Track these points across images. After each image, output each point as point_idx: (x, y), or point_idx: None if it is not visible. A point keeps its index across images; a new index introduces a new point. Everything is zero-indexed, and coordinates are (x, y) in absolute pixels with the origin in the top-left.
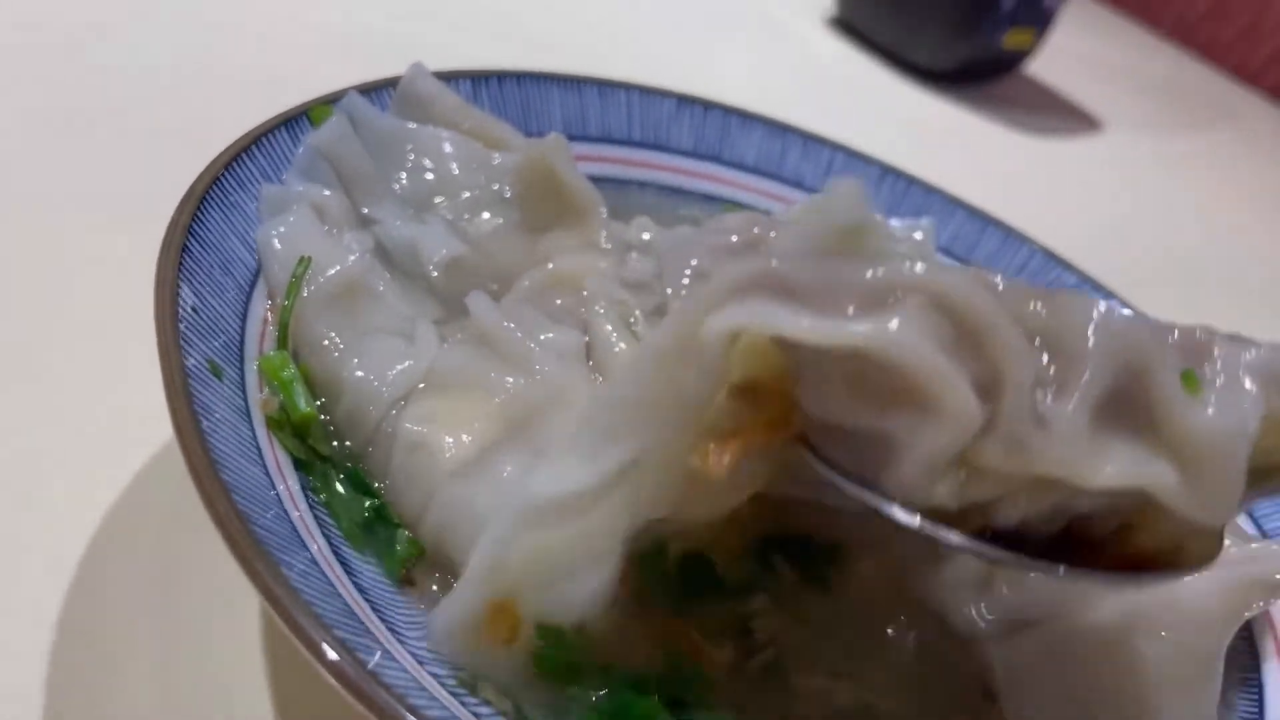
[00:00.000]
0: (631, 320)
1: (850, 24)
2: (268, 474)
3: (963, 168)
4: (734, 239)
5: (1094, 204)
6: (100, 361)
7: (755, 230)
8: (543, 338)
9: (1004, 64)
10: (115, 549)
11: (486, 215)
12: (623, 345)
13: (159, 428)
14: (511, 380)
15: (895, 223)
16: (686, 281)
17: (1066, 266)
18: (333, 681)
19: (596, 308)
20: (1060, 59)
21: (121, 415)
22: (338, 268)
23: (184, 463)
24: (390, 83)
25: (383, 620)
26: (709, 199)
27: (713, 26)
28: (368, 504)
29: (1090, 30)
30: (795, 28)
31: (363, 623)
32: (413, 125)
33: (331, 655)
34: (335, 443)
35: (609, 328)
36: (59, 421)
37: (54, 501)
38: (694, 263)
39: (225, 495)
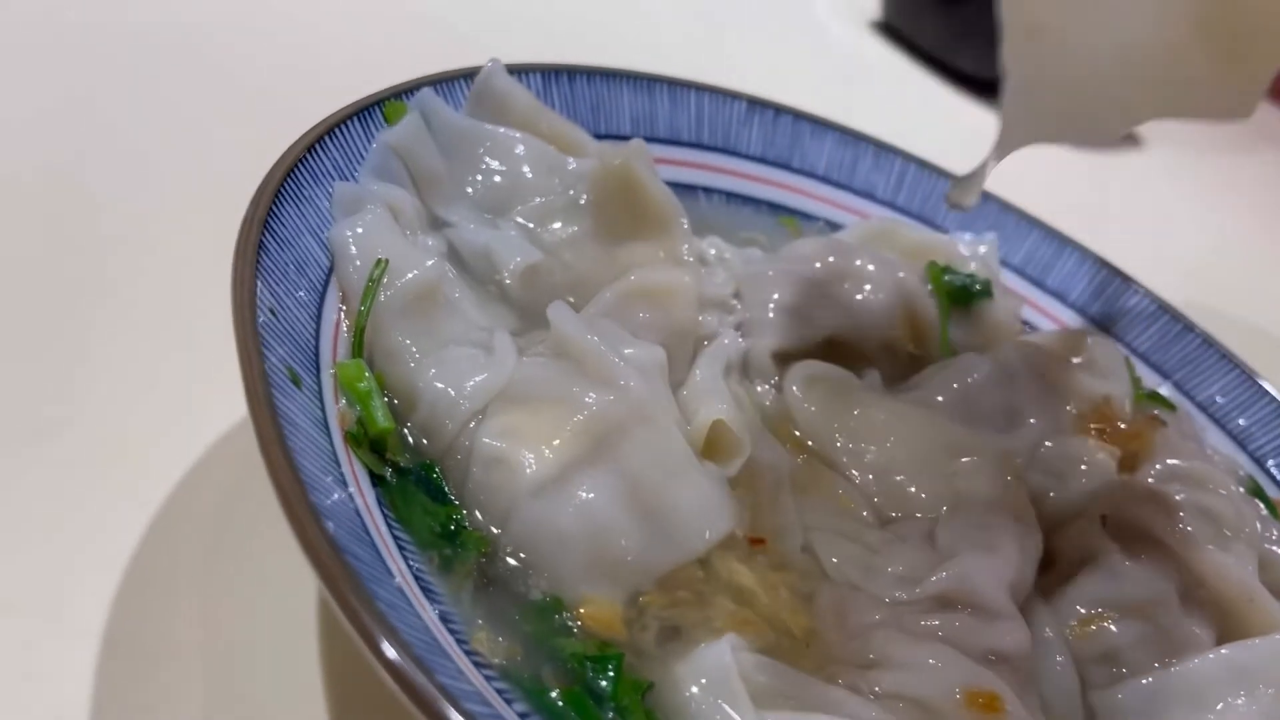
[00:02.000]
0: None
1: (894, 27)
2: (348, 490)
3: (1005, 178)
4: (817, 265)
5: (1137, 221)
6: (153, 351)
7: (831, 259)
8: (626, 352)
9: None
10: (168, 545)
11: (561, 222)
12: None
13: (211, 421)
14: (594, 396)
15: (962, 238)
16: (771, 315)
17: (1146, 294)
18: None
19: (724, 340)
20: None
21: (172, 409)
22: (415, 272)
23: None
24: (463, 74)
25: (461, 646)
26: (775, 207)
27: (754, 28)
28: (446, 515)
29: None
30: (838, 30)
31: (451, 660)
32: (488, 126)
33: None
34: (413, 443)
35: (717, 369)
36: (104, 417)
37: (110, 495)
38: (775, 297)
39: (316, 521)
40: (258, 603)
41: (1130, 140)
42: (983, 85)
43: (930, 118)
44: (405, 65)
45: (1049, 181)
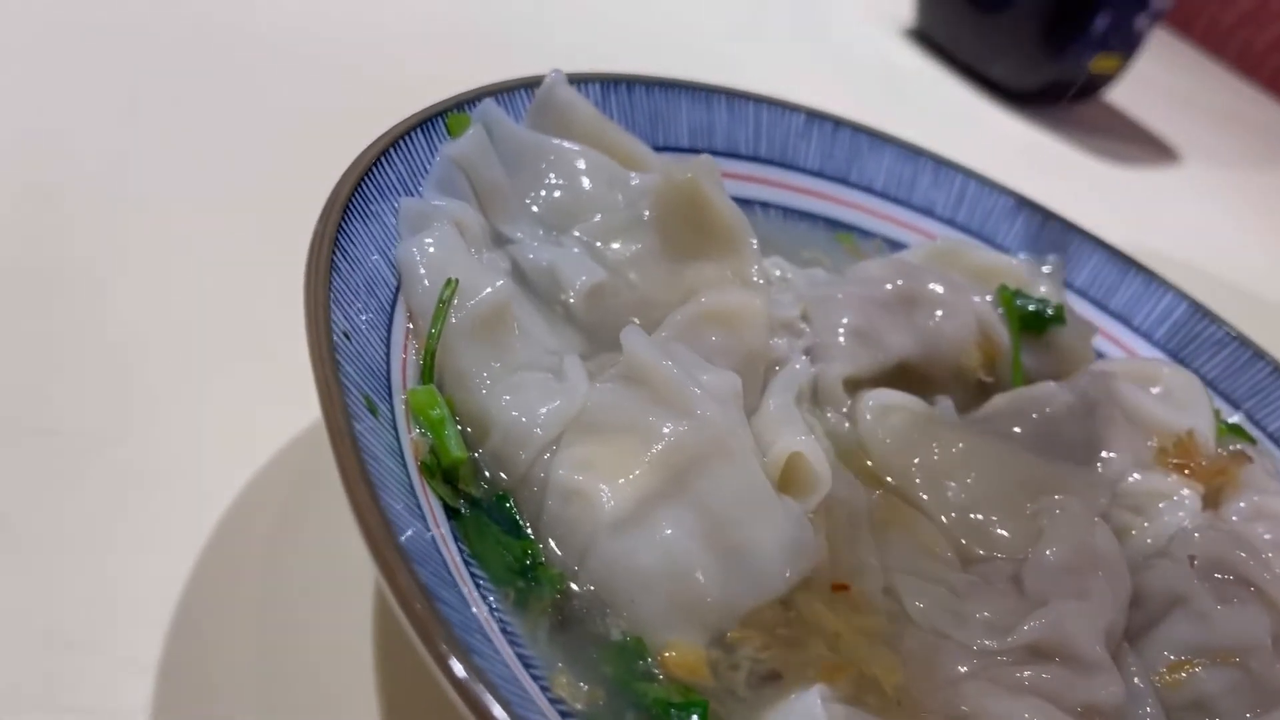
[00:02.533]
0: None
1: (929, 36)
2: (426, 525)
3: (1039, 191)
4: (888, 287)
5: (1178, 236)
6: (203, 364)
7: (901, 282)
8: (702, 379)
9: (1086, 88)
10: (223, 570)
11: (623, 240)
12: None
13: (264, 437)
14: (671, 426)
15: (1023, 258)
16: (841, 339)
17: (1214, 319)
18: None
19: (795, 366)
20: (1137, 87)
21: (224, 426)
22: (486, 292)
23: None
24: (524, 84)
25: (546, 694)
26: (832, 223)
27: (785, 34)
28: (522, 550)
29: (1162, 60)
30: (871, 38)
31: (544, 715)
32: (552, 140)
33: None
34: (490, 474)
35: (790, 397)
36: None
37: (163, 517)
38: (844, 321)
39: (406, 565)
40: (316, 630)
41: (1166, 156)
42: (1016, 96)
43: (962, 127)
44: (457, 75)
45: (1082, 199)
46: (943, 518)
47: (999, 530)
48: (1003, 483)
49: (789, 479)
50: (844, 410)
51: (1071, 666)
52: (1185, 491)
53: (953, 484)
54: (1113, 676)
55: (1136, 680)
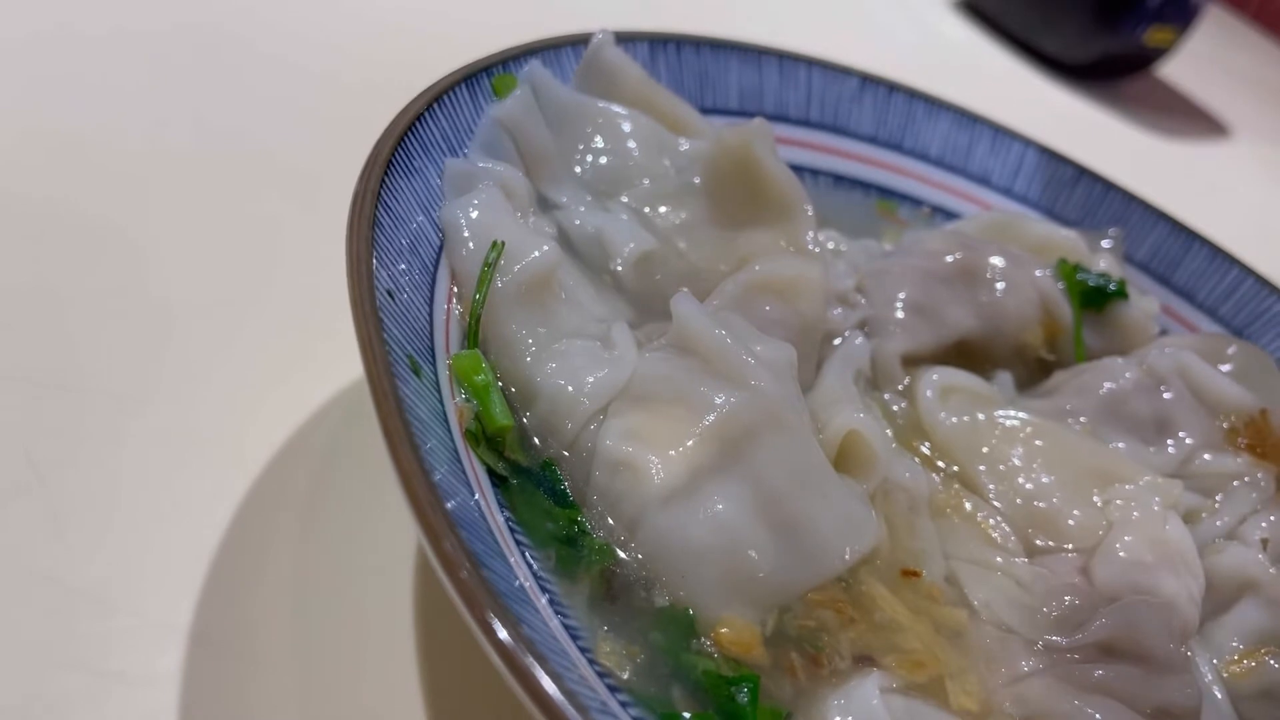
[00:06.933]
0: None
1: (978, 8)
2: (471, 492)
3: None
4: (947, 260)
5: (1230, 213)
6: (233, 327)
7: (960, 255)
8: (756, 349)
9: (1139, 62)
10: (257, 532)
11: (671, 206)
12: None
13: (295, 401)
14: (723, 397)
15: (1083, 231)
16: (900, 314)
17: None
18: None
19: (855, 341)
20: (1190, 63)
21: (255, 388)
22: (533, 255)
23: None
24: (569, 42)
25: (593, 666)
26: (886, 192)
27: (830, 1)
28: (569, 520)
29: (1215, 36)
30: (918, 7)
31: (595, 692)
32: (599, 103)
33: None
34: (536, 440)
35: (848, 374)
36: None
37: (196, 480)
38: (902, 295)
39: (452, 532)
40: (352, 595)
41: (1218, 133)
42: (1068, 69)
43: (1011, 101)
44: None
45: (1132, 175)
46: (1005, 505)
47: (1065, 520)
48: (1070, 470)
49: (845, 459)
50: (900, 389)
51: (1145, 666)
52: (1260, 474)
53: (1018, 470)
54: (1189, 678)
55: (1205, 670)
